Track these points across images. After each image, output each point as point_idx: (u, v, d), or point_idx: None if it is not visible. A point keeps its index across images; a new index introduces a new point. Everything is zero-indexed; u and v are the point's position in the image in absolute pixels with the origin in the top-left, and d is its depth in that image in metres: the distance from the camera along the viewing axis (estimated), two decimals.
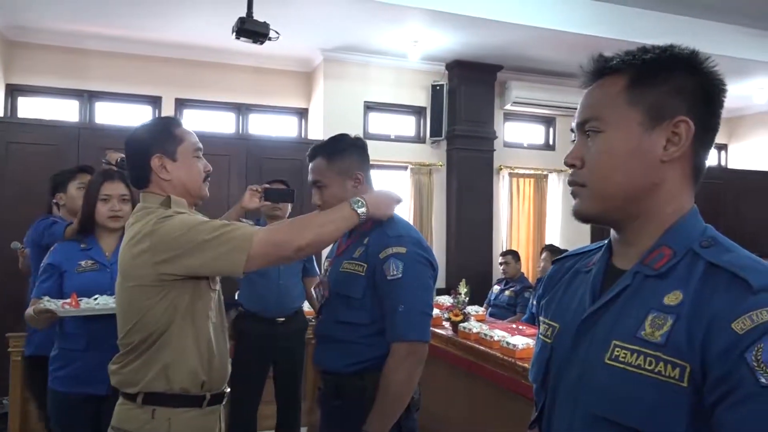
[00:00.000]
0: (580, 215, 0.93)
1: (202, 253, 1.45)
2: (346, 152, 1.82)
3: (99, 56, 5.28)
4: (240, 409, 3.22)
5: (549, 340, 0.97)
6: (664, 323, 0.79)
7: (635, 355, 0.80)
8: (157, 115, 5.56)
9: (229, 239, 1.45)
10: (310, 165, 1.85)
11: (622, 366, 0.81)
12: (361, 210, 1.55)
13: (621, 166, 0.87)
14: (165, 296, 1.50)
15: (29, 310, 2.09)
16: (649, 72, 0.87)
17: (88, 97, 5.39)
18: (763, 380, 0.69)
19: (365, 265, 1.71)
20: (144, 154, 1.59)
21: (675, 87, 0.86)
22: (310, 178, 1.85)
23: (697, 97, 0.86)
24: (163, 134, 1.60)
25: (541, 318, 1.03)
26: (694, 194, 0.91)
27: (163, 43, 5.27)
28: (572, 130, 0.96)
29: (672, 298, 0.80)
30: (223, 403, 1.66)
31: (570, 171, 0.94)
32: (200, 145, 1.68)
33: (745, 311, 0.73)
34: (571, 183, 0.93)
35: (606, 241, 0.98)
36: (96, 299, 2.10)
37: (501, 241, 6.12)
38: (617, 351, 0.82)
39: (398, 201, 1.70)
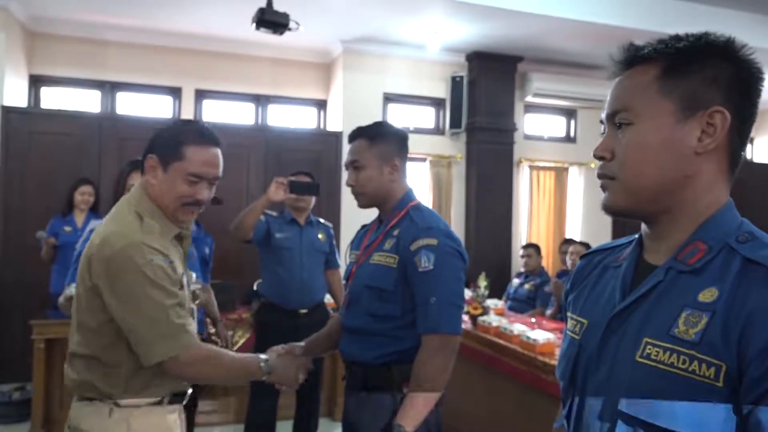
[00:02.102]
0: (610, 209, 0.90)
1: (136, 317, 1.40)
2: (388, 138, 1.83)
3: (120, 47, 5.31)
4: (260, 399, 3.24)
5: (577, 337, 0.94)
6: (699, 321, 0.76)
7: (668, 353, 0.77)
8: (177, 107, 5.59)
9: (171, 329, 1.42)
10: (350, 146, 1.86)
11: (654, 364, 0.78)
12: (266, 375, 1.60)
13: (653, 159, 0.84)
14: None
15: (61, 298, 2.16)
16: (683, 60, 0.84)
17: (110, 88, 5.43)
18: None
19: (397, 257, 1.71)
20: (150, 146, 1.54)
21: (710, 76, 0.83)
22: (348, 158, 1.85)
23: (733, 86, 0.83)
24: (172, 141, 1.52)
25: (569, 314, 1.01)
26: (730, 187, 0.88)
27: (182, 33, 5.28)
28: (602, 122, 0.93)
29: (707, 295, 0.78)
30: (184, 402, 1.60)
31: (599, 164, 0.91)
32: (204, 172, 1.55)
33: None
34: (600, 176, 0.90)
35: (636, 236, 0.95)
36: None
37: (520, 234, 6.07)
38: (649, 348, 0.80)
39: (304, 380, 1.79)
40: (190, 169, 1.51)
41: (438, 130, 5.97)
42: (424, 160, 5.75)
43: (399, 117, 5.86)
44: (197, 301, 2.48)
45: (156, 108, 5.58)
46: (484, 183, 5.76)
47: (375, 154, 1.80)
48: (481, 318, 3.40)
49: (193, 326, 1.54)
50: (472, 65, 5.80)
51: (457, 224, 5.82)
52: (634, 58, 0.88)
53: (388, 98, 5.77)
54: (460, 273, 1.71)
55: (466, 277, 1.75)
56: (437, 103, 5.95)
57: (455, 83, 5.76)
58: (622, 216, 0.91)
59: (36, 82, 5.25)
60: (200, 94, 5.66)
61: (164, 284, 1.43)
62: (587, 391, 0.89)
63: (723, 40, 0.84)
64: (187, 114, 5.54)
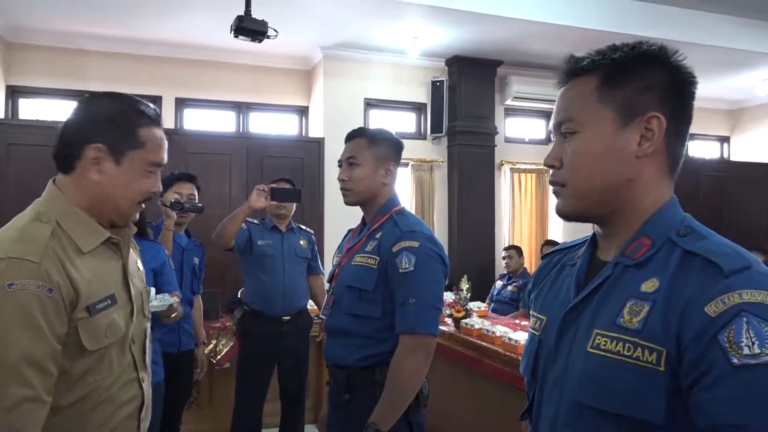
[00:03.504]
0: (562, 214, 0.95)
1: None
2: (387, 142, 1.88)
3: (98, 56, 5.28)
4: (245, 408, 3.23)
5: (537, 333, 0.99)
6: (641, 310, 0.81)
7: (614, 342, 0.81)
8: None
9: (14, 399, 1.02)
10: (348, 143, 1.89)
11: (602, 353, 0.82)
12: None
13: (597, 165, 0.88)
14: None
15: None
16: (619, 70, 0.88)
17: None
18: (735, 361, 0.70)
19: (378, 258, 1.74)
20: (82, 133, 1.19)
21: (645, 83, 0.87)
22: (344, 154, 1.88)
23: (667, 92, 0.88)
24: (123, 125, 1.20)
25: (531, 311, 1.05)
26: (673, 185, 0.92)
27: (161, 42, 5.27)
28: (550, 132, 0.97)
29: (649, 286, 0.82)
30: None
31: (551, 171, 0.95)
32: (163, 159, 1.27)
33: (717, 294, 0.74)
34: (552, 183, 0.95)
35: (590, 236, 0.99)
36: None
37: (503, 236, 6.11)
38: (598, 339, 0.84)
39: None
40: (151, 158, 1.23)
41: (419, 135, 6.00)
42: (406, 164, 5.77)
43: (380, 122, 5.88)
44: (174, 315, 2.44)
45: None
46: (466, 186, 5.80)
47: (373, 154, 1.84)
48: (464, 321, 3.42)
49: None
50: (452, 70, 5.84)
51: (439, 227, 5.85)
52: (575, 69, 0.92)
53: (370, 104, 5.80)
54: (440, 276, 1.73)
55: (447, 281, 1.78)
56: (418, 107, 5.99)
57: (435, 88, 5.80)
58: (574, 219, 0.95)
59: (13, 93, 5.21)
60: (181, 102, 5.64)
61: (40, 324, 1.05)
62: (546, 384, 0.93)
63: (656, 48, 0.89)
64: (169, 122, 5.52)
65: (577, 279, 0.95)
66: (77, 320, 1.12)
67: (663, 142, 0.88)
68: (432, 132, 5.87)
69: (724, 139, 7.83)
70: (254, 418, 3.26)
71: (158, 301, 2.25)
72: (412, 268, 1.66)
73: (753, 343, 0.70)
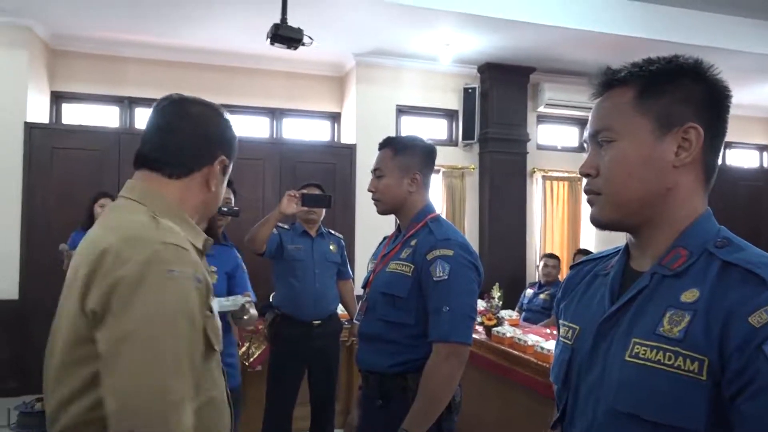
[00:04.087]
0: (597, 222, 0.96)
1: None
2: (413, 151, 1.88)
3: (137, 63, 5.43)
4: (275, 411, 3.27)
5: (570, 342, 0.99)
6: (682, 319, 0.81)
7: (654, 350, 0.82)
8: None
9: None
10: (378, 154, 1.92)
11: (642, 362, 0.83)
12: None
13: (635, 174, 0.90)
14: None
15: None
16: (656, 82, 0.90)
17: (128, 104, 5.54)
18: None
19: (412, 266, 1.75)
20: (212, 143, 1.16)
21: (682, 95, 0.89)
22: (373, 165, 1.92)
23: (704, 104, 0.89)
24: (233, 139, 1.22)
25: (560, 321, 1.06)
26: (707, 197, 0.93)
27: (197, 49, 5.39)
28: (585, 141, 0.98)
29: (689, 296, 0.83)
30: None
31: (585, 180, 0.96)
32: None
33: (761, 305, 0.75)
34: (587, 191, 0.96)
35: (623, 245, 1.00)
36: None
37: (535, 244, 6.07)
38: (637, 348, 0.84)
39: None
40: (229, 168, 1.23)
41: (451, 142, 6.01)
42: (437, 171, 5.78)
43: (412, 129, 5.91)
44: (246, 316, 2.31)
45: None
46: (498, 193, 5.79)
47: (397, 164, 1.86)
48: (495, 329, 3.41)
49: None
50: (484, 76, 5.84)
51: (470, 235, 5.83)
52: (612, 81, 0.94)
53: (401, 110, 5.83)
54: (474, 285, 1.74)
55: (480, 289, 1.78)
56: (450, 114, 6.00)
57: (467, 94, 5.80)
58: (609, 228, 0.96)
59: (57, 98, 5.38)
60: None
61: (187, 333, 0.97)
62: (580, 392, 0.93)
63: (692, 61, 0.90)
64: None
65: (611, 288, 0.95)
66: (205, 318, 1.02)
67: (700, 153, 0.89)
68: (464, 139, 5.88)
69: (763, 148, 7.64)
70: (285, 421, 3.29)
71: (230, 301, 2.27)
72: (447, 277, 1.67)
73: None
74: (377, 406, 1.78)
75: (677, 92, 0.89)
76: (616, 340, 0.89)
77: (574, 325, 1.00)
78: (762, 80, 6.14)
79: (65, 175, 4.72)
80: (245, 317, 2.34)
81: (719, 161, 0.94)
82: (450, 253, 1.70)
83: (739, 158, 7.58)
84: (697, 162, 0.90)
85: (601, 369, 0.90)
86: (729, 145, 7.47)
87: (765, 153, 7.67)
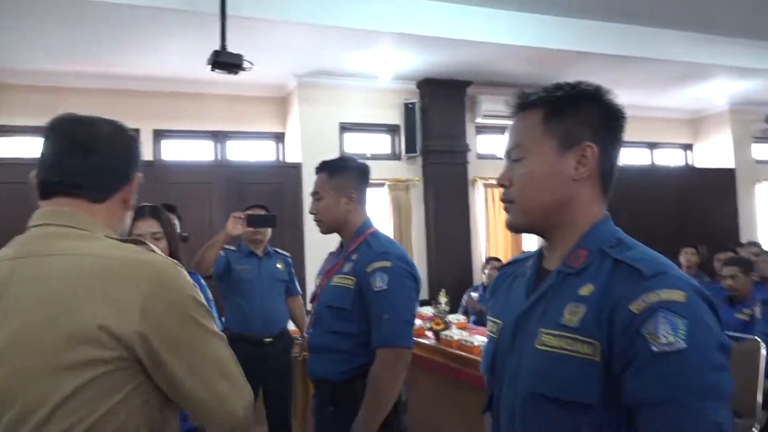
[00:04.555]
0: (511, 227, 1.10)
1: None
2: (347, 171, 2.01)
3: (75, 93, 5.36)
4: None
5: (495, 335, 1.12)
6: (579, 310, 0.94)
7: (558, 338, 0.95)
8: None
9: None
10: (315, 177, 2.04)
11: (548, 349, 0.96)
12: None
13: (541, 186, 1.03)
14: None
15: None
16: (561, 106, 1.04)
17: None
18: (654, 348, 0.85)
19: (354, 279, 1.87)
20: (129, 160, 1.15)
21: (582, 118, 1.03)
22: (312, 189, 2.04)
23: (600, 125, 1.03)
24: (140, 154, 1.20)
25: (488, 317, 1.19)
26: (606, 203, 1.07)
27: (137, 76, 5.39)
28: (503, 156, 1.11)
29: (585, 290, 0.96)
30: None
31: (502, 190, 1.10)
32: None
33: (639, 294, 0.88)
34: (503, 200, 1.10)
35: (538, 249, 1.14)
36: None
37: (480, 250, 6.27)
38: (544, 337, 0.97)
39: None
40: None
41: (394, 155, 6.17)
42: (382, 185, 5.93)
43: (356, 145, 6.05)
44: None
45: None
46: (442, 203, 5.97)
47: (333, 186, 1.98)
48: (443, 333, 3.54)
49: None
50: (423, 91, 6.04)
51: (417, 244, 5.99)
52: (525, 104, 1.08)
53: (345, 127, 5.96)
54: (412, 293, 1.87)
55: (419, 297, 1.91)
56: (392, 129, 6.16)
57: (408, 109, 5.99)
58: (521, 232, 1.11)
59: None
60: (158, 134, 5.74)
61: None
62: (504, 380, 1.06)
63: (593, 88, 1.05)
64: (146, 154, 5.61)
65: (527, 286, 1.08)
66: None
67: (596, 168, 1.03)
68: (406, 152, 6.05)
69: (688, 147, 8.13)
70: None
71: None
72: (386, 287, 1.80)
73: (668, 334, 0.84)
74: (329, 413, 1.88)
75: (578, 115, 1.03)
76: (529, 332, 1.01)
77: (498, 321, 1.13)
78: (683, 85, 6.57)
79: (4, 210, 4.62)
80: None
81: (616, 173, 1.07)
82: (388, 264, 1.83)
83: (665, 158, 8.03)
84: (594, 175, 1.03)
85: (519, 358, 1.02)
86: (656, 145, 7.91)
87: (689, 152, 8.15)
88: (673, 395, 0.83)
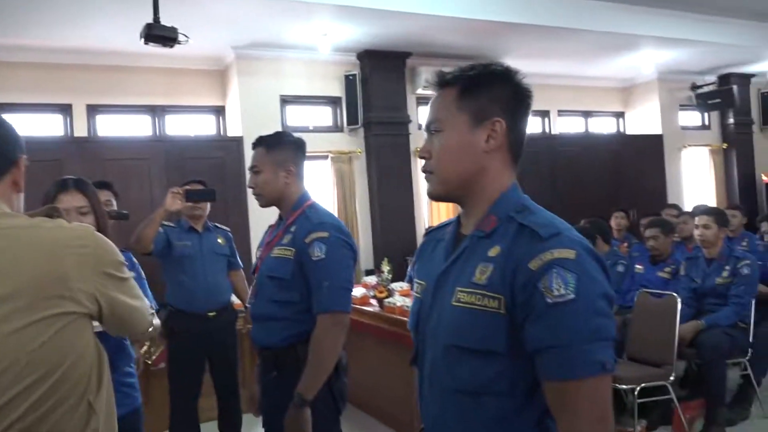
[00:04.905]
0: (431, 195, 1.20)
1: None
2: (284, 146, 2.06)
3: (7, 67, 5.13)
4: (180, 405, 3.34)
5: (419, 295, 1.23)
6: (487, 269, 1.06)
7: (469, 295, 1.06)
8: (68, 124, 5.48)
9: None
10: (253, 152, 2.08)
11: (462, 305, 1.07)
12: None
13: (455, 157, 1.13)
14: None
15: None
16: (473, 84, 1.13)
17: None
18: (548, 300, 0.97)
19: (293, 250, 1.94)
20: (9, 144, 1.21)
21: (492, 95, 1.13)
22: (249, 164, 2.08)
23: (509, 103, 1.13)
24: (22, 141, 1.26)
25: (415, 279, 1.29)
26: (515, 173, 1.18)
27: (70, 50, 5.19)
28: (424, 130, 1.20)
29: (493, 251, 1.07)
30: None
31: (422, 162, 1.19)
32: None
33: (536, 253, 1.00)
34: (423, 171, 1.19)
35: (457, 216, 1.24)
36: None
37: (423, 220, 6.42)
38: (459, 294, 1.08)
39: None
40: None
41: (336, 128, 6.20)
42: (325, 157, 5.96)
43: (297, 117, 6.04)
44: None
45: (45, 127, 5.46)
46: (385, 174, 6.06)
47: (271, 160, 2.03)
48: (386, 300, 3.68)
49: None
50: (364, 63, 6.06)
51: (362, 215, 6.09)
52: (442, 82, 1.17)
53: (286, 100, 5.93)
54: (350, 261, 1.97)
55: (356, 264, 2.00)
56: (333, 101, 6.18)
57: (349, 81, 6.01)
58: (440, 200, 1.20)
59: None
60: (93, 109, 5.57)
61: None
62: (426, 335, 1.17)
63: (503, 68, 1.15)
64: (81, 130, 5.45)
65: (446, 249, 1.19)
66: None
67: (505, 141, 1.13)
68: (348, 124, 6.08)
69: (620, 115, 8.47)
70: (190, 415, 3.37)
71: None
72: (324, 256, 1.88)
73: (560, 287, 0.96)
74: (273, 378, 1.97)
75: (489, 93, 1.12)
76: (446, 290, 1.12)
77: (422, 282, 1.23)
78: (614, 55, 6.81)
79: None
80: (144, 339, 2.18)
81: (523, 146, 1.18)
82: (325, 234, 1.91)
83: (599, 125, 8.35)
84: (503, 147, 1.13)
85: (438, 314, 1.13)
86: (590, 114, 8.21)
87: (620, 119, 8.50)
88: (564, 339, 0.96)
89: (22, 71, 5.20)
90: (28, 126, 5.36)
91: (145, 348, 3.91)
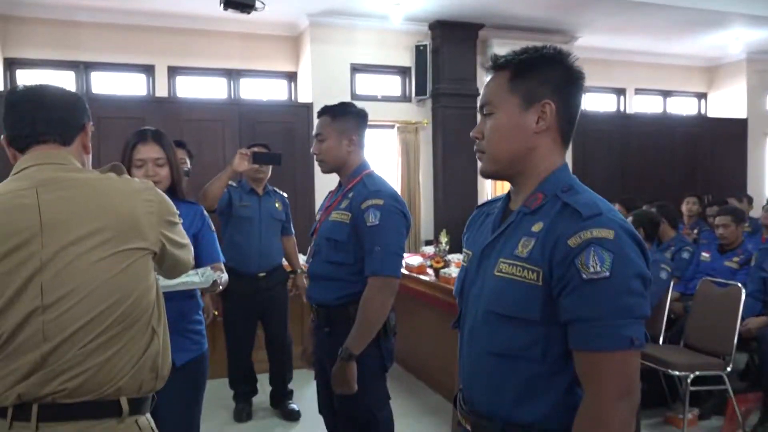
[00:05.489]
0: (483, 173, 1.25)
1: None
2: (348, 116, 2.15)
3: (92, 27, 5.46)
4: (236, 358, 3.57)
5: (466, 264, 1.29)
6: (529, 243, 1.11)
7: (511, 266, 1.12)
8: (151, 84, 5.77)
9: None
10: (318, 120, 2.19)
11: (503, 275, 1.13)
12: None
13: (506, 138, 1.18)
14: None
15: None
16: (524, 68, 1.17)
17: (84, 68, 5.59)
18: (584, 276, 1.02)
19: (350, 214, 2.04)
20: (77, 113, 1.39)
21: (543, 78, 1.16)
22: (314, 131, 2.18)
23: (559, 85, 1.16)
24: (88, 109, 1.44)
25: (464, 249, 1.35)
26: (565, 153, 1.21)
27: (153, 12, 5.44)
28: (478, 111, 1.25)
29: (536, 227, 1.12)
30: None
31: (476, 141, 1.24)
32: None
33: (576, 231, 1.05)
34: (476, 151, 1.24)
35: (507, 192, 1.29)
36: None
37: (486, 193, 6.41)
38: (501, 265, 1.15)
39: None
40: None
41: (405, 98, 6.23)
42: (392, 126, 6.02)
43: (366, 86, 6.11)
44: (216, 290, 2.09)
45: (130, 86, 5.77)
46: (450, 146, 6.07)
47: (336, 128, 2.12)
48: (442, 270, 3.75)
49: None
50: (435, 34, 6.04)
51: (425, 186, 6.14)
52: (496, 65, 1.21)
53: (356, 69, 6.01)
54: (402, 228, 2.05)
55: (408, 232, 2.09)
56: (403, 71, 6.20)
57: (419, 52, 6.01)
58: (492, 178, 1.25)
59: (11, 65, 5.40)
60: (173, 71, 5.84)
61: None
62: (469, 301, 1.24)
63: (554, 51, 1.18)
64: (162, 90, 5.73)
65: (493, 223, 1.25)
66: None
67: (555, 122, 1.16)
68: (416, 95, 6.10)
69: (702, 96, 8.07)
70: (246, 365, 3.60)
71: (201, 277, 1.93)
72: (378, 222, 1.97)
73: (596, 264, 1.01)
74: (325, 333, 2.10)
75: (539, 76, 1.16)
76: (491, 261, 1.18)
77: (469, 251, 1.30)
78: (699, 32, 6.49)
79: None
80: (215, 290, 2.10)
81: (574, 127, 1.21)
82: (380, 202, 2.00)
83: (678, 106, 7.99)
84: (553, 129, 1.17)
85: (482, 282, 1.20)
86: (669, 93, 7.87)
87: (703, 101, 8.10)
88: (596, 313, 1.01)
89: (109, 32, 5.50)
90: (113, 85, 5.69)
91: (206, 298, 4.13)
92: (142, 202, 1.32)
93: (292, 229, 3.80)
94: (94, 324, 1.22)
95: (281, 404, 3.68)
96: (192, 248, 1.51)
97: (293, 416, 3.59)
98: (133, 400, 1.27)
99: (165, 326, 1.37)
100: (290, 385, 3.74)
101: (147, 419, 1.33)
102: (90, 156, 1.45)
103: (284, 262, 3.78)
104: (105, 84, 5.69)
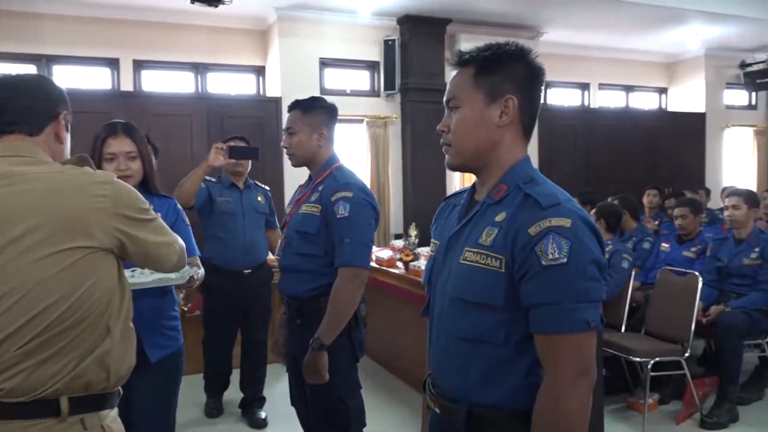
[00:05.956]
0: (449, 166, 1.30)
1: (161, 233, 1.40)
2: (319, 110, 2.18)
3: (54, 19, 5.35)
4: (214, 356, 3.53)
5: (433, 254, 1.34)
6: (493, 232, 1.17)
7: (475, 254, 1.18)
8: (116, 78, 5.68)
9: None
10: (288, 114, 2.21)
11: (468, 263, 1.19)
12: None
13: (471, 131, 1.23)
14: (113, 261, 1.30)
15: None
16: (488, 64, 1.22)
17: (46, 62, 5.47)
18: (543, 263, 1.08)
19: (320, 207, 2.07)
20: (55, 102, 1.37)
21: (506, 74, 1.21)
22: (284, 125, 2.20)
23: (521, 81, 1.22)
24: (66, 99, 1.41)
25: (431, 239, 1.40)
26: (527, 146, 1.27)
27: (118, 5, 5.36)
28: (444, 105, 1.30)
29: (500, 217, 1.18)
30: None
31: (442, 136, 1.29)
32: None
33: (536, 220, 1.11)
34: (442, 144, 1.29)
35: (473, 184, 1.35)
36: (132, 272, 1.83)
37: (454, 186, 6.49)
38: (466, 253, 1.20)
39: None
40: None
41: (373, 92, 6.27)
42: (361, 121, 6.06)
43: (335, 81, 6.12)
44: (192, 285, 2.09)
45: (94, 80, 5.67)
46: (419, 141, 6.13)
47: (307, 123, 2.15)
48: (412, 263, 3.80)
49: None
50: (404, 28, 6.09)
51: (394, 180, 6.20)
52: (461, 61, 1.26)
53: (324, 63, 6.02)
54: (371, 220, 2.09)
55: (377, 224, 2.13)
56: (371, 66, 6.23)
57: (388, 46, 6.05)
58: (458, 170, 1.31)
59: None
60: (138, 65, 5.77)
61: None
62: (437, 289, 1.29)
63: (516, 48, 1.23)
64: (127, 84, 5.65)
65: (459, 214, 1.30)
66: None
67: (517, 116, 1.22)
68: (385, 89, 6.15)
69: (662, 91, 8.29)
70: (225, 363, 3.56)
71: (177, 274, 1.85)
72: (347, 214, 2.01)
73: (555, 251, 1.07)
74: (297, 325, 2.13)
75: (503, 72, 1.21)
76: (457, 250, 1.24)
77: (436, 241, 1.36)
78: (659, 28, 6.67)
79: None
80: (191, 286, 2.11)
81: (535, 121, 1.27)
82: (350, 194, 2.04)
83: (640, 101, 8.20)
84: (515, 122, 1.22)
85: (448, 270, 1.25)
86: (632, 88, 8.07)
87: (663, 95, 8.32)
88: (554, 298, 1.07)
89: (72, 25, 5.40)
90: (77, 78, 5.59)
91: (181, 295, 4.11)
92: (92, 198, 1.24)
93: (277, 223, 3.71)
94: (32, 325, 1.17)
95: (250, 411, 3.55)
96: (177, 244, 1.44)
97: (259, 424, 3.46)
98: (78, 398, 1.22)
99: (126, 324, 1.33)
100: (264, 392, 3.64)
101: (99, 417, 1.27)
102: (65, 147, 1.40)
103: (270, 257, 3.70)
104: (68, 78, 5.57)
